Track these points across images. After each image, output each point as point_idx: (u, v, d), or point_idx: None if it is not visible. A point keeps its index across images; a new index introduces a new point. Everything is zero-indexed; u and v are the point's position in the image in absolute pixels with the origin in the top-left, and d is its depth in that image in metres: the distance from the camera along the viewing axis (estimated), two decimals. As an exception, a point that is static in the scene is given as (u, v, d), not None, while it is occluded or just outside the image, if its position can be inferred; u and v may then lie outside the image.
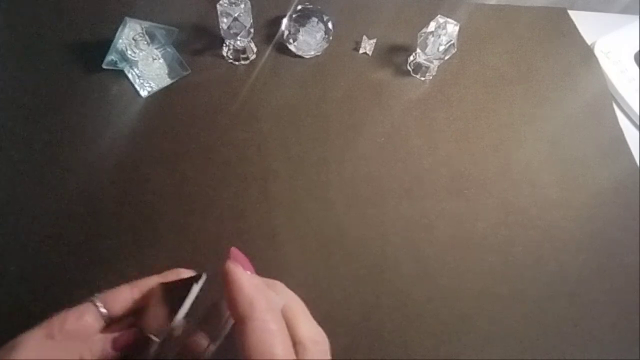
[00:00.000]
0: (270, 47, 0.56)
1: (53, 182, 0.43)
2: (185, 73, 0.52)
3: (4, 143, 0.45)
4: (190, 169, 0.46)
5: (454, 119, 0.55)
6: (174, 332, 0.28)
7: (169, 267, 0.39)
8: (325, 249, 0.44)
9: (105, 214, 0.43)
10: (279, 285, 0.28)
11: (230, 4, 0.47)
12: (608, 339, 0.44)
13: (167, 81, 0.51)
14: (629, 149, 0.57)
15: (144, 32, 0.50)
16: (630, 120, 0.60)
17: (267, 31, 0.57)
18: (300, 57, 0.56)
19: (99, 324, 0.30)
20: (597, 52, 0.64)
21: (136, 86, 0.50)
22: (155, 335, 0.29)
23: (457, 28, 0.51)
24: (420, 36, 0.53)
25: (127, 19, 0.47)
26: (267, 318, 0.23)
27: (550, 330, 0.43)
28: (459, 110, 0.56)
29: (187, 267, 0.41)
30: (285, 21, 0.56)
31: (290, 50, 0.56)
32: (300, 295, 0.27)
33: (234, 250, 0.27)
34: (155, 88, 0.50)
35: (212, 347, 0.26)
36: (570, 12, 0.68)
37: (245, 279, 0.24)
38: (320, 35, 0.55)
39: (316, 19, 0.55)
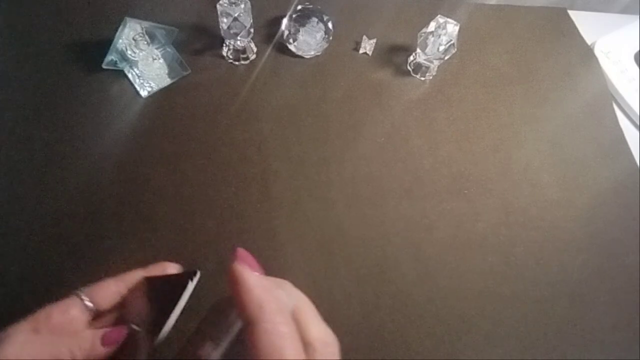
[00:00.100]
0: (270, 47, 0.56)
1: (53, 182, 0.43)
2: (185, 73, 0.52)
3: (4, 143, 0.45)
4: (190, 169, 0.46)
5: (454, 119, 0.55)
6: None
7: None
8: (326, 249, 0.44)
9: (105, 214, 0.42)
10: (287, 285, 0.28)
11: (230, 4, 0.47)
12: (608, 339, 0.44)
13: (167, 81, 0.51)
14: (629, 149, 0.57)
15: (144, 32, 0.50)
16: (630, 120, 0.60)
17: (267, 31, 0.57)
18: (300, 57, 0.56)
19: (85, 317, 0.30)
20: (597, 52, 0.64)
21: (136, 86, 0.50)
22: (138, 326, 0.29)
23: (457, 28, 0.51)
24: (420, 36, 0.53)
25: (127, 19, 0.47)
26: (277, 320, 0.23)
27: (550, 330, 0.43)
28: (459, 110, 0.56)
29: (187, 267, 0.41)
30: (285, 21, 0.56)
31: (290, 50, 0.55)
32: (300, 296, 0.27)
33: (240, 250, 0.26)
34: (155, 88, 0.50)
35: (214, 349, 0.26)
36: (570, 12, 0.68)
37: (253, 280, 0.24)
38: (320, 35, 0.55)
39: (316, 19, 0.55)
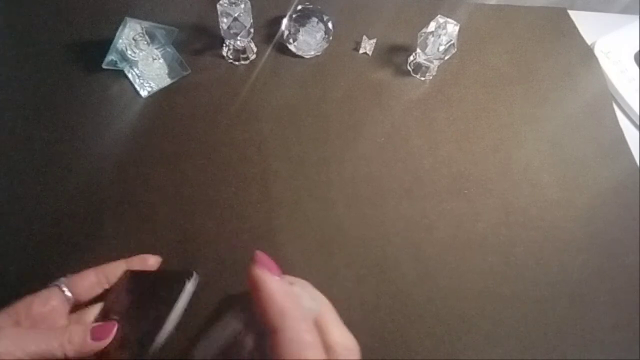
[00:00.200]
0: (270, 47, 0.56)
1: (53, 182, 0.43)
2: (185, 73, 0.52)
3: (4, 143, 0.45)
4: (190, 169, 0.46)
5: (454, 119, 0.55)
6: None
7: (169, 267, 0.39)
8: (326, 249, 0.44)
9: (105, 214, 0.42)
10: (309, 287, 0.27)
11: (230, 4, 0.47)
12: (608, 339, 0.44)
13: (167, 81, 0.51)
14: (629, 149, 0.57)
15: (144, 32, 0.50)
16: (630, 120, 0.60)
17: (267, 31, 0.57)
18: (300, 57, 0.56)
19: (65, 308, 0.30)
20: (597, 52, 0.64)
21: (136, 86, 0.50)
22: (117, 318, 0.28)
23: (457, 28, 0.51)
24: (420, 36, 0.53)
25: (127, 19, 0.47)
26: (300, 328, 0.22)
27: (550, 330, 0.43)
28: (459, 110, 0.56)
29: (188, 266, 0.41)
30: (285, 21, 0.56)
31: (290, 50, 0.55)
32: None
33: (259, 254, 0.25)
34: (155, 88, 0.50)
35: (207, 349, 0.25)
36: (570, 12, 0.68)
37: (274, 285, 0.23)
38: (320, 35, 0.55)
39: (316, 19, 0.55)
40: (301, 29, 0.54)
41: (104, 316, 0.31)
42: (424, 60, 0.55)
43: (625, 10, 0.72)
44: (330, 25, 0.55)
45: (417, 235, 0.46)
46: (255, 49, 0.55)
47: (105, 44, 0.48)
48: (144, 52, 0.50)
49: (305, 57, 0.56)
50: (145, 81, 0.50)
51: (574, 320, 0.44)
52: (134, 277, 0.32)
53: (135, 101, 0.49)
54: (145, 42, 0.50)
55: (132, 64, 0.50)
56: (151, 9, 0.55)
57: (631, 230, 0.50)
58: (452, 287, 0.44)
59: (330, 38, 0.56)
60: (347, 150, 0.50)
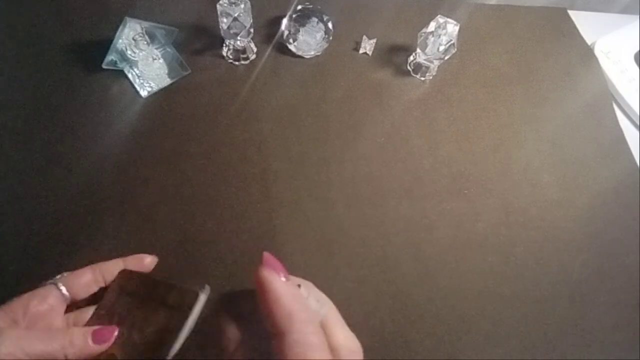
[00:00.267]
0: (270, 47, 0.56)
1: (53, 182, 0.43)
2: (185, 73, 0.52)
3: (4, 143, 0.45)
4: (190, 169, 0.46)
5: (454, 119, 0.55)
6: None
7: (169, 267, 0.39)
8: (326, 249, 0.44)
9: (105, 214, 0.42)
10: (314, 288, 0.27)
11: (230, 4, 0.47)
12: (608, 339, 0.44)
13: (167, 81, 0.51)
14: (629, 149, 0.57)
15: (144, 32, 0.50)
16: (630, 120, 0.60)
17: (267, 31, 0.57)
18: (300, 57, 0.56)
19: (61, 306, 0.29)
20: (597, 52, 0.64)
21: (136, 86, 0.50)
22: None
23: (457, 28, 0.51)
24: (420, 36, 0.53)
25: (127, 19, 0.47)
26: (307, 331, 0.22)
27: (550, 330, 0.43)
28: (459, 110, 0.56)
29: (188, 266, 0.41)
30: (285, 21, 0.56)
31: (290, 50, 0.55)
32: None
33: (266, 255, 0.25)
34: (155, 88, 0.50)
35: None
36: (570, 12, 0.68)
37: (282, 288, 0.23)
38: (320, 35, 0.55)
39: (316, 19, 0.55)
40: (301, 29, 0.54)
41: (102, 316, 0.30)
42: (424, 60, 0.55)
43: (625, 10, 0.72)
44: (330, 25, 0.55)
45: (417, 235, 0.46)
46: (255, 49, 0.55)
47: (105, 44, 0.48)
48: (144, 52, 0.50)
49: (305, 57, 0.56)
50: (145, 81, 0.50)
51: (574, 320, 0.44)
52: (138, 280, 0.31)
53: (135, 101, 0.49)
54: (145, 42, 0.50)
55: (132, 64, 0.50)
56: (151, 9, 0.55)
57: (631, 230, 0.50)
58: (452, 287, 0.44)
59: (330, 38, 0.56)
60: (347, 150, 0.50)
